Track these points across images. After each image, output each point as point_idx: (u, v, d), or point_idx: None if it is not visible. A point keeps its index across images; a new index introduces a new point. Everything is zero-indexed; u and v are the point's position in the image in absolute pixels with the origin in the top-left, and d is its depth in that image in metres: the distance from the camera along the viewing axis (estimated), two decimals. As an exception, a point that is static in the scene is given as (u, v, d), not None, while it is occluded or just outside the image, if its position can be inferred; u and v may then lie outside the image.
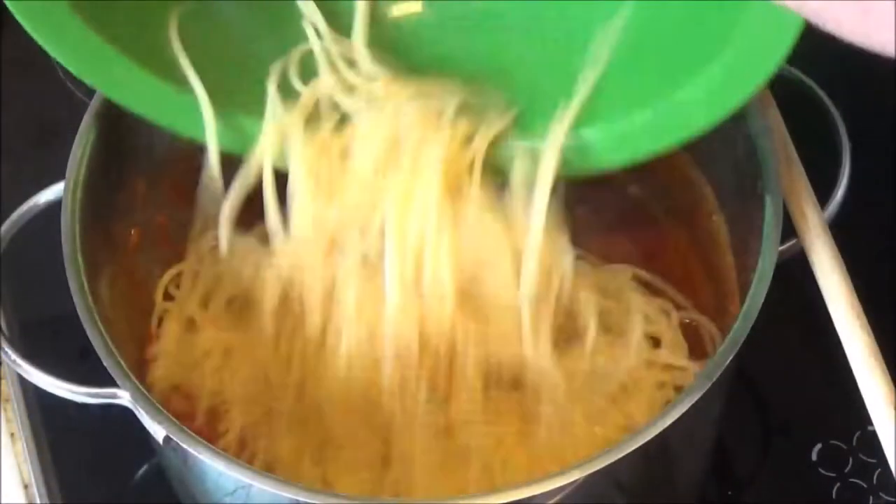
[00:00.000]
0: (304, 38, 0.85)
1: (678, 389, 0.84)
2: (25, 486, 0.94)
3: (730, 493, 0.92)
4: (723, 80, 0.81)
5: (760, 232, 0.80)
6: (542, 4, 0.88)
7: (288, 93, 0.84)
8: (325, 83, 0.84)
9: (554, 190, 0.82)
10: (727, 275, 0.87)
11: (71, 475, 0.93)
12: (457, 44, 0.89)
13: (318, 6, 0.86)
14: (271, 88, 0.83)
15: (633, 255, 0.92)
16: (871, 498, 0.90)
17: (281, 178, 0.83)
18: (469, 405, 0.82)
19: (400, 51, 0.87)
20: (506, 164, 0.82)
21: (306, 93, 0.83)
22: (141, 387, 0.76)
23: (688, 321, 0.89)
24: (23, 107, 1.09)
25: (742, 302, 0.77)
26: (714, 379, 0.74)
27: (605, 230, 0.95)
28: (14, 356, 0.81)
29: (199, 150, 0.93)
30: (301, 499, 0.72)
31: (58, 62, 0.80)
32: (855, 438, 0.92)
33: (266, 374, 0.85)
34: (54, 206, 0.83)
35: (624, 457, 0.72)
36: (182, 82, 0.82)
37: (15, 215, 0.85)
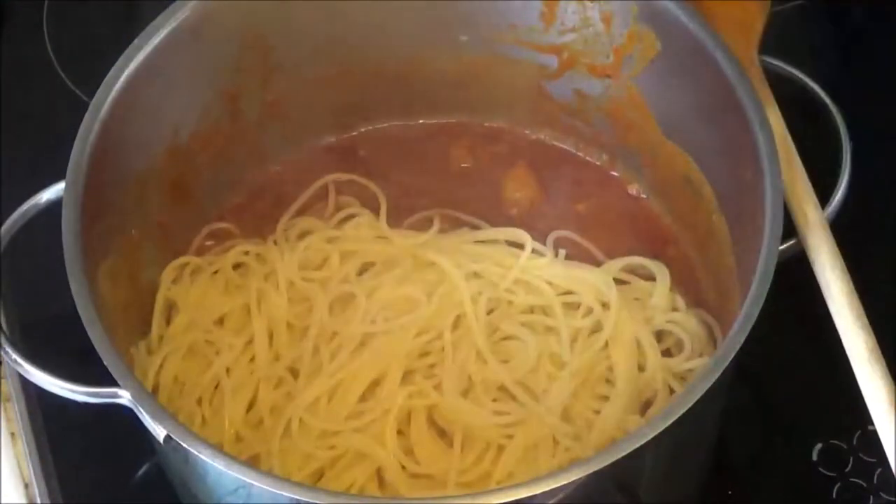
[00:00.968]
0: None
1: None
2: (25, 486, 0.94)
3: (730, 492, 0.92)
4: None
5: (760, 232, 0.80)
6: None
7: None
8: None
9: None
10: (727, 275, 0.88)
11: (71, 475, 0.93)
12: None
13: None
14: None
15: (634, 253, 0.93)
16: (871, 498, 0.90)
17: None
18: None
19: None
20: None
21: None
22: (141, 386, 0.76)
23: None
24: (23, 107, 1.09)
25: (742, 302, 0.77)
26: (714, 378, 0.74)
27: (607, 229, 0.95)
28: (14, 356, 0.81)
29: (197, 149, 0.93)
30: (301, 498, 0.72)
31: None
32: (855, 438, 0.92)
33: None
34: (54, 206, 0.83)
35: (624, 456, 0.72)
36: None
37: (15, 215, 0.85)
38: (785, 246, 0.81)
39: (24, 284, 0.95)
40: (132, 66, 0.87)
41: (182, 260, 0.93)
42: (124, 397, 0.77)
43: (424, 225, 0.95)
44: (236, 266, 0.93)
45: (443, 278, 0.90)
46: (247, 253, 0.93)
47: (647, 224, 0.96)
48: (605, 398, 0.86)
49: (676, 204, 0.95)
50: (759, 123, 0.83)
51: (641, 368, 0.87)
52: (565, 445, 0.84)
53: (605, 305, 0.89)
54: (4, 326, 0.83)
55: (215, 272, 0.92)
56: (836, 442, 0.92)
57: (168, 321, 0.91)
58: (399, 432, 0.85)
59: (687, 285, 0.92)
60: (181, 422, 0.76)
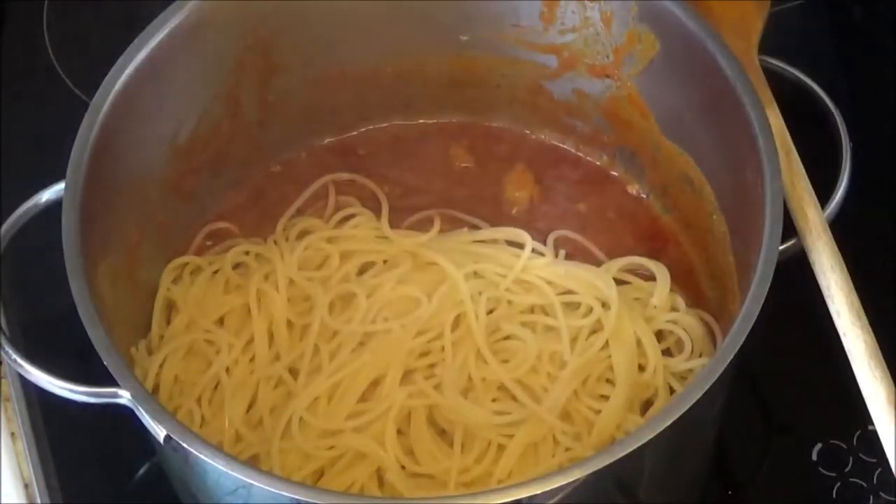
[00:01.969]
0: None
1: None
2: (25, 486, 0.94)
3: (730, 492, 0.92)
4: None
5: (760, 232, 0.80)
6: None
7: None
8: None
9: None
10: (727, 275, 0.88)
11: (71, 475, 0.93)
12: None
13: None
14: None
15: (634, 253, 0.93)
16: (871, 498, 0.90)
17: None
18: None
19: None
20: None
21: None
22: (141, 386, 0.76)
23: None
24: (23, 107, 1.09)
25: (742, 302, 0.77)
26: (714, 378, 0.74)
27: (607, 228, 0.95)
28: (14, 356, 0.81)
29: (197, 150, 0.93)
30: (301, 498, 0.72)
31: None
32: (855, 438, 0.92)
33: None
34: (54, 206, 0.83)
35: (624, 456, 0.72)
36: None
37: (15, 215, 0.85)
38: (785, 246, 0.81)
39: (24, 284, 0.95)
40: (132, 66, 0.87)
41: (182, 260, 0.93)
42: (124, 397, 0.77)
43: (424, 225, 0.95)
44: (236, 266, 0.93)
45: (443, 278, 0.90)
46: (247, 253, 0.93)
47: (647, 224, 0.96)
48: (605, 398, 0.86)
49: (676, 204, 0.95)
50: (759, 123, 0.83)
51: (641, 368, 0.87)
52: (565, 445, 0.84)
53: (605, 305, 0.89)
54: (4, 326, 0.83)
55: (215, 272, 0.92)
56: (836, 442, 0.92)
57: (168, 321, 0.91)
58: (399, 432, 0.85)
59: (687, 285, 0.92)
60: (181, 421, 0.76)
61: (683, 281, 0.92)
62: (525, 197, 0.97)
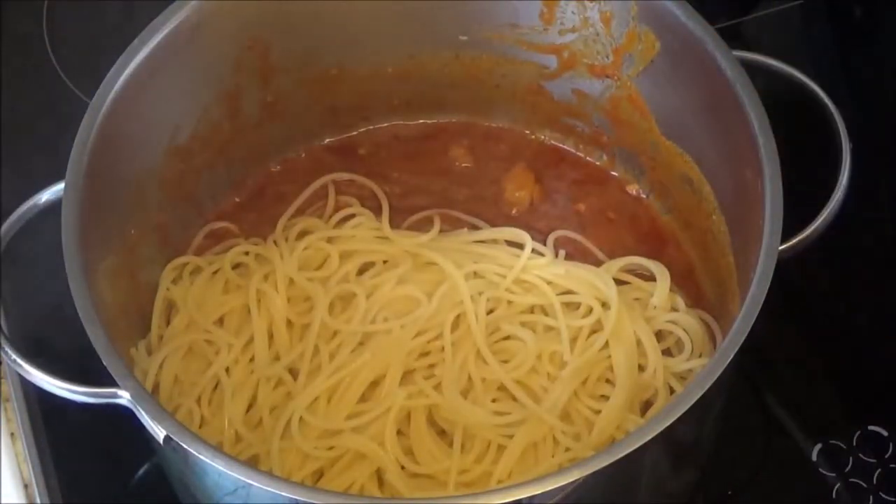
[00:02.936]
0: None
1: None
2: (25, 486, 0.94)
3: (730, 492, 0.92)
4: None
5: (760, 232, 0.79)
6: None
7: None
8: None
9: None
10: (727, 275, 0.88)
11: (71, 475, 0.93)
12: None
13: None
14: None
15: (634, 253, 0.93)
16: (871, 498, 0.90)
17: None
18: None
19: None
20: None
21: None
22: (141, 386, 0.76)
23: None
24: (23, 107, 1.09)
25: (742, 302, 0.77)
26: (714, 378, 0.74)
27: (607, 228, 0.95)
28: (14, 356, 0.81)
29: (197, 150, 0.93)
30: (300, 498, 0.72)
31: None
32: (855, 438, 0.92)
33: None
34: (54, 206, 0.83)
35: (624, 456, 0.72)
36: None
37: (15, 215, 0.85)
38: (785, 246, 0.81)
39: (24, 284, 0.95)
40: (132, 66, 0.87)
41: (182, 260, 0.93)
42: (124, 397, 0.77)
43: (424, 225, 0.95)
44: (236, 266, 0.93)
45: (443, 278, 0.90)
46: (246, 253, 0.93)
47: (647, 224, 0.96)
48: (605, 398, 0.86)
49: (676, 204, 0.95)
50: (759, 123, 0.83)
51: (641, 368, 0.87)
52: (565, 445, 0.84)
53: (605, 305, 0.89)
54: (4, 326, 0.83)
55: (215, 272, 0.92)
56: (836, 442, 0.92)
57: (168, 321, 0.91)
58: (399, 432, 0.85)
59: (687, 285, 0.92)
60: (181, 422, 0.76)
61: (683, 281, 0.92)
62: (525, 197, 0.97)
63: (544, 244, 0.93)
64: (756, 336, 0.76)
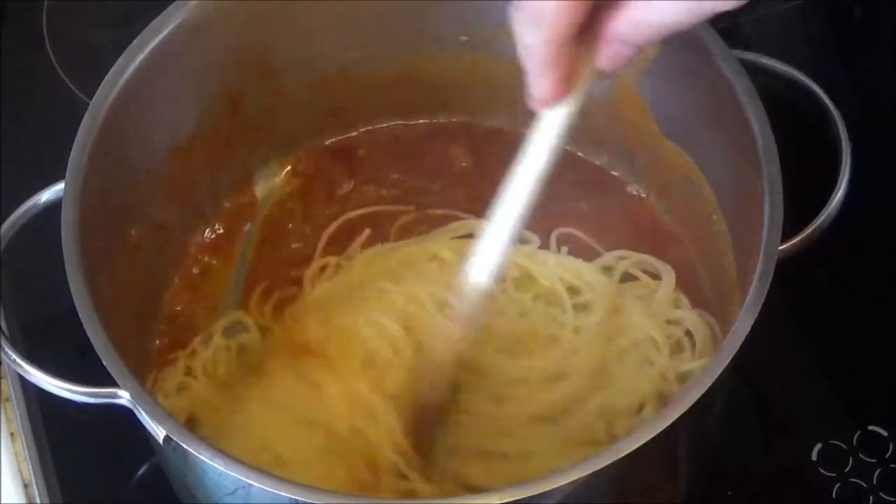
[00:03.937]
0: None
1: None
2: (25, 486, 0.94)
3: (730, 492, 0.92)
4: None
5: (760, 232, 0.79)
6: None
7: None
8: None
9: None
10: (727, 275, 0.88)
11: (71, 475, 0.93)
12: None
13: None
14: None
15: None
16: (871, 498, 0.90)
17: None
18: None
19: None
20: None
21: None
22: (141, 387, 0.76)
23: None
24: (23, 107, 1.09)
25: (742, 302, 0.77)
26: (714, 378, 0.74)
27: (607, 229, 0.95)
28: (14, 356, 0.81)
29: (197, 150, 0.93)
30: (300, 498, 0.72)
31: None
32: (855, 438, 0.92)
33: None
34: (54, 206, 0.83)
35: (624, 457, 0.72)
36: None
37: (15, 215, 0.85)
38: (785, 246, 0.81)
39: (24, 284, 0.95)
40: (132, 66, 0.87)
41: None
42: (124, 397, 0.77)
43: (421, 226, 0.95)
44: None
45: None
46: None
47: (648, 224, 0.96)
48: (607, 396, 0.86)
49: (676, 204, 0.95)
50: (759, 123, 0.83)
51: (644, 367, 0.87)
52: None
53: (609, 303, 0.89)
54: (4, 326, 0.83)
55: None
56: (835, 442, 0.92)
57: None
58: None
59: (687, 285, 0.92)
60: (180, 422, 0.76)
61: (684, 281, 0.92)
62: (525, 197, 0.97)
63: (545, 244, 0.93)
64: (756, 336, 0.76)
